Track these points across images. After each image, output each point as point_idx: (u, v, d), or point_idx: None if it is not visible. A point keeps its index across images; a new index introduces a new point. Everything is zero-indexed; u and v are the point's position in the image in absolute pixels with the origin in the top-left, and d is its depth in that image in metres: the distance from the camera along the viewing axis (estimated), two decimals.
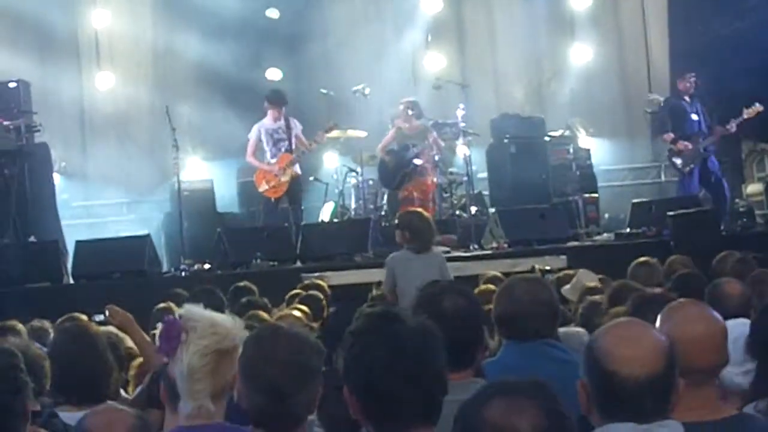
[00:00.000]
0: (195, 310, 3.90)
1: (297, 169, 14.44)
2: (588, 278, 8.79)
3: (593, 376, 3.18)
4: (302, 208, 14.94)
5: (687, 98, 15.04)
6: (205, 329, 3.81)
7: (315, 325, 7.08)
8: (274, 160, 14.36)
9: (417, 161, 14.69)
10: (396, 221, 10.22)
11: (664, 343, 3.20)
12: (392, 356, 3.05)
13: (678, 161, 14.91)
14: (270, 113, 14.44)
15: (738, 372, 4.78)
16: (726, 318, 5.35)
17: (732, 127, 14.68)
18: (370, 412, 3.09)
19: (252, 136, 14.50)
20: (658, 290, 6.22)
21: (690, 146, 14.74)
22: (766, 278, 6.50)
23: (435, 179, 15.00)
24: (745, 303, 5.88)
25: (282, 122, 14.40)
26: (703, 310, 3.92)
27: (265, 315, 7.44)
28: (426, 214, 10.16)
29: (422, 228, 9.54)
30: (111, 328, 6.28)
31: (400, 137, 14.90)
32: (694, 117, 14.97)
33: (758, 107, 14.47)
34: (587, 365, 3.21)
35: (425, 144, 14.74)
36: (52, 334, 7.72)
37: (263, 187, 14.43)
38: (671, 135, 14.95)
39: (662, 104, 15.67)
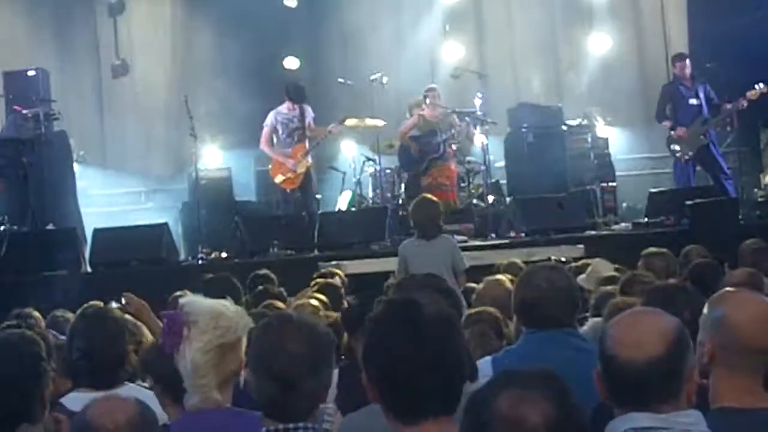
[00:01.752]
0: (196, 302, 3.90)
1: (309, 158, 14.45)
2: (604, 267, 8.77)
3: (601, 362, 3.20)
4: (317, 196, 14.94)
5: (686, 82, 14.96)
6: (207, 324, 3.81)
7: (333, 314, 7.07)
8: (288, 150, 14.37)
9: (447, 146, 14.62)
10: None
11: (669, 328, 3.18)
12: (412, 344, 3.05)
13: (676, 148, 14.87)
14: (287, 102, 14.46)
15: None
16: None
17: (742, 103, 14.57)
18: (389, 400, 3.08)
19: (267, 123, 14.51)
20: (672, 281, 6.20)
21: (687, 133, 14.68)
22: None
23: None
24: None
25: (297, 111, 14.41)
26: (756, 294, 3.87)
27: (280, 305, 7.45)
28: (430, 199, 10.15)
29: (424, 214, 9.58)
30: (128, 317, 6.30)
31: (423, 124, 14.83)
32: (693, 101, 14.89)
33: (762, 87, 14.37)
34: (598, 353, 3.23)
35: (452, 130, 14.65)
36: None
37: (279, 179, 14.45)
38: (669, 122, 14.92)
39: (661, 90, 15.62)
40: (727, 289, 3.86)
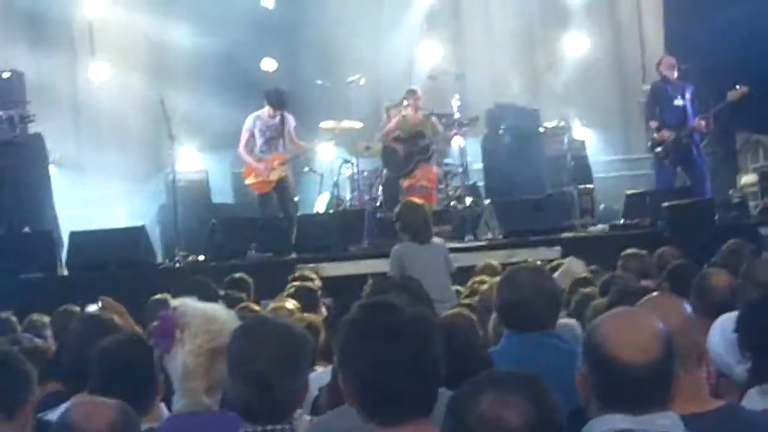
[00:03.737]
0: (189, 304, 3.90)
1: (287, 169, 14.41)
2: (577, 266, 8.80)
3: (593, 363, 3.15)
4: (295, 199, 14.90)
5: (673, 82, 14.98)
6: (199, 327, 3.81)
7: (310, 316, 7.06)
8: (267, 157, 14.34)
9: (433, 149, 14.61)
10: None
11: (664, 331, 3.18)
12: (391, 347, 3.05)
13: (659, 150, 14.89)
14: (268, 108, 14.41)
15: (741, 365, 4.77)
16: (713, 310, 5.37)
17: (706, 123, 14.66)
18: (366, 403, 3.08)
19: (246, 127, 14.46)
20: (647, 283, 6.22)
21: (672, 136, 14.70)
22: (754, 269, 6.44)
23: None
24: (732, 294, 5.86)
25: (278, 119, 14.37)
26: (674, 301, 3.90)
27: (256, 307, 7.44)
28: (419, 203, 10.15)
29: (419, 218, 9.54)
30: (117, 319, 6.27)
31: (406, 126, 14.79)
32: (678, 102, 14.87)
33: (743, 88, 14.41)
34: (587, 353, 3.18)
35: (432, 133, 14.62)
36: (49, 329, 7.73)
37: (250, 180, 14.47)
38: (656, 122, 14.93)
39: (649, 89, 15.64)
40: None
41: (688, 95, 14.89)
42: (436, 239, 9.84)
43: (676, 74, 14.94)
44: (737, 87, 14.42)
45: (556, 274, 8.58)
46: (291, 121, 14.48)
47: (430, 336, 3.13)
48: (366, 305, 3.29)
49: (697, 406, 3.55)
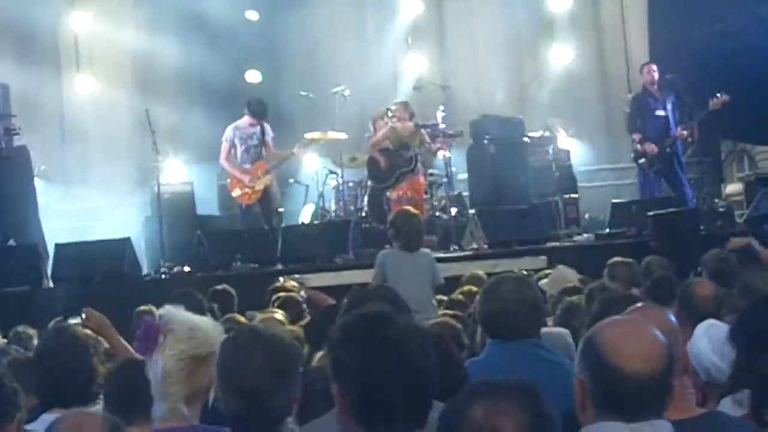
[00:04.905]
0: (175, 312, 3.91)
1: (269, 176, 14.40)
2: (569, 274, 8.81)
3: (594, 372, 3.15)
4: (279, 210, 14.90)
5: (654, 92, 15.00)
6: (183, 333, 3.81)
7: (294, 327, 7.06)
8: (248, 166, 14.34)
9: (417, 161, 14.59)
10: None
11: (665, 341, 3.20)
12: (390, 359, 3.06)
13: (643, 161, 14.91)
14: (247, 117, 14.42)
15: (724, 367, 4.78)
16: (697, 319, 5.38)
17: (688, 133, 14.73)
18: (362, 414, 3.08)
19: (227, 138, 14.46)
20: (636, 291, 6.22)
21: (655, 150, 14.72)
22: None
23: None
24: (716, 304, 5.88)
25: (258, 129, 14.38)
26: (660, 311, 3.91)
27: (241, 318, 7.43)
28: (415, 212, 10.16)
29: (411, 227, 9.54)
30: (88, 331, 6.25)
31: (394, 137, 14.78)
32: (660, 113, 14.90)
33: (723, 97, 14.45)
34: (587, 362, 3.17)
35: (419, 145, 14.61)
36: (35, 340, 7.71)
37: (236, 193, 14.45)
38: (639, 135, 14.95)
39: (630, 101, 15.67)
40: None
41: (669, 105, 14.93)
42: (424, 250, 9.84)
43: (656, 81, 14.97)
44: (718, 95, 14.46)
45: (545, 281, 8.61)
46: (269, 131, 14.49)
47: (426, 347, 3.15)
48: (360, 316, 3.28)
49: (682, 413, 3.57)
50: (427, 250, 9.94)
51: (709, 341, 4.98)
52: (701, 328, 5.08)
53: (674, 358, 3.21)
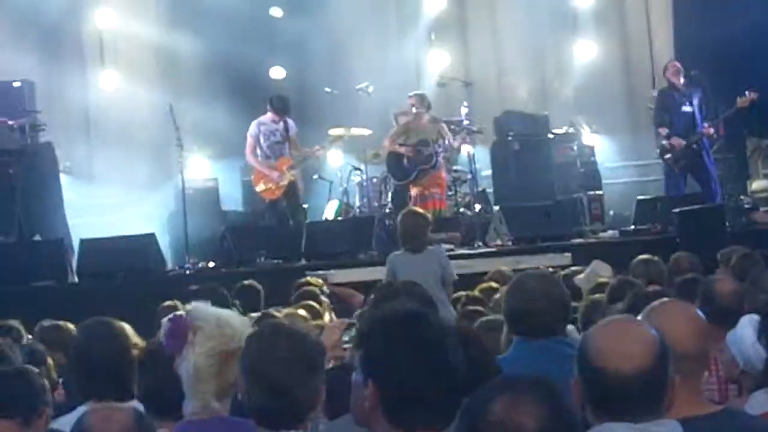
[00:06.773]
0: (202, 308, 3.93)
1: (294, 171, 14.43)
2: (602, 269, 8.79)
3: (584, 373, 3.18)
4: (304, 206, 14.93)
5: (680, 88, 14.91)
6: (212, 330, 3.83)
7: (321, 322, 7.07)
8: (273, 162, 14.36)
9: (437, 158, 14.57)
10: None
11: (654, 339, 3.18)
12: (426, 356, 3.06)
13: (668, 157, 14.83)
14: (270, 113, 14.45)
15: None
16: (718, 316, 5.32)
17: (715, 129, 14.66)
18: (394, 411, 3.08)
19: (251, 133, 14.49)
20: (657, 288, 6.19)
21: (683, 143, 14.64)
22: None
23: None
24: (738, 300, 5.84)
25: (281, 125, 14.41)
26: (683, 305, 3.89)
27: (277, 314, 7.43)
28: (419, 212, 10.14)
29: (409, 228, 9.54)
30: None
31: (410, 134, 14.75)
32: (687, 108, 14.78)
33: (752, 95, 14.38)
34: (578, 363, 3.21)
35: (444, 141, 14.56)
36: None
37: (260, 188, 14.48)
38: (666, 129, 14.86)
39: (656, 96, 15.59)
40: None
41: (695, 101, 14.81)
42: (431, 247, 9.80)
43: (682, 80, 14.87)
44: (747, 93, 14.40)
45: (581, 276, 8.58)
46: (293, 126, 14.52)
47: (457, 345, 3.16)
48: (400, 313, 3.28)
49: (695, 409, 3.55)
50: (434, 248, 9.91)
51: (755, 332, 4.92)
52: (746, 319, 5.01)
53: (668, 354, 3.18)
